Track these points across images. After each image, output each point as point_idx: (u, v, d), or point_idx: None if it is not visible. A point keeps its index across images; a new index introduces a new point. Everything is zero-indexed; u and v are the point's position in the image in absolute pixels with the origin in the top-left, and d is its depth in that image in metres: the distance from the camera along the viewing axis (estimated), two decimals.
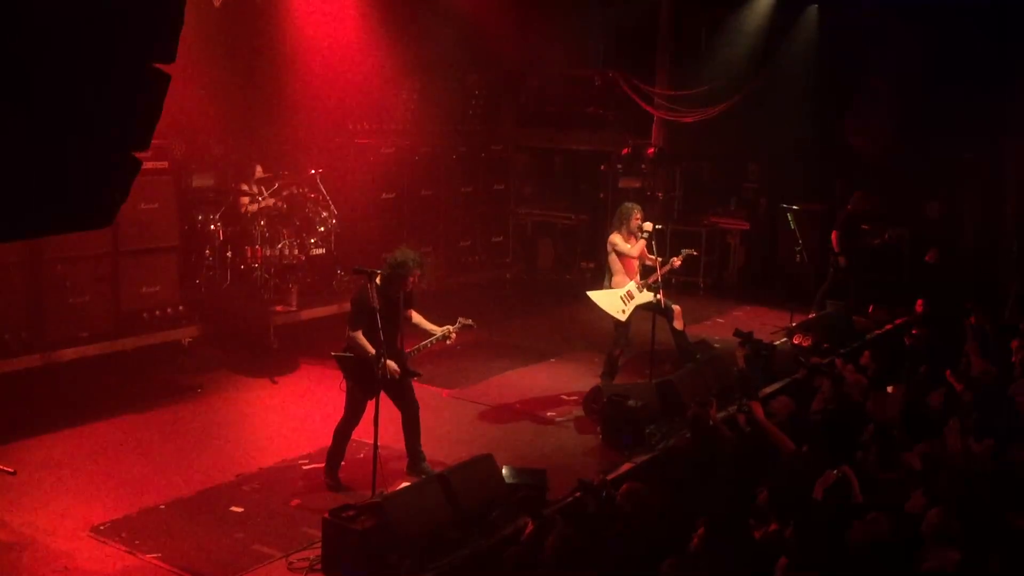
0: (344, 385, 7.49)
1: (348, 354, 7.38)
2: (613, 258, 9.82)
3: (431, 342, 7.68)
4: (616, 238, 9.80)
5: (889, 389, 8.34)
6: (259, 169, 11.56)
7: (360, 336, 7.26)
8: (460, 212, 14.61)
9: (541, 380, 10.41)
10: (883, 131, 14.41)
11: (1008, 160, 14.14)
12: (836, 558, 5.31)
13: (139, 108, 3.31)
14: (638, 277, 9.83)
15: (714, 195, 16.12)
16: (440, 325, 7.73)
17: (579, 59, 16.20)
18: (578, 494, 6.26)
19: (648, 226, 9.70)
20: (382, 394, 7.15)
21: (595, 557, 5.45)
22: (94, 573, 6.14)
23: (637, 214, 9.81)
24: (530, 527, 5.91)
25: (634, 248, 9.77)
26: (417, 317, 7.75)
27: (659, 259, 9.72)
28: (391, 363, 7.20)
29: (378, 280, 7.28)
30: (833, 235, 12.81)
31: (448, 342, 7.73)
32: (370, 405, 7.08)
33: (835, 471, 6.20)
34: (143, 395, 9.31)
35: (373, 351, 7.16)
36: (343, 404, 7.52)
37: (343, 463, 7.56)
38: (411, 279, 7.47)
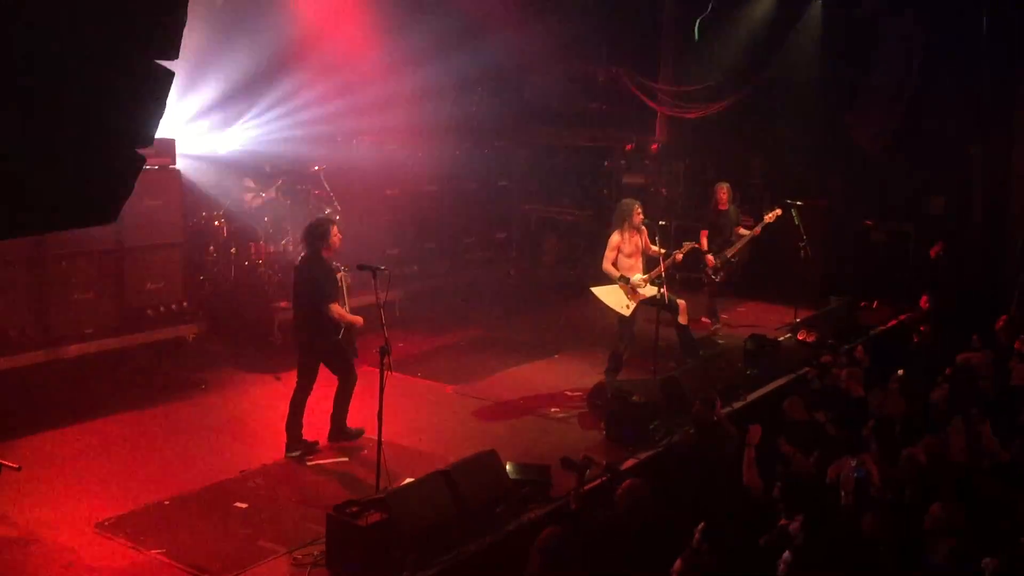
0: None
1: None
2: (609, 255, 9.78)
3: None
4: (613, 239, 9.76)
5: (892, 384, 8.33)
6: (266, 167, 11.57)
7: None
8: (464, 208, 14.59)
9: (545, 376, 10.41)
10: (886, 126, 14.38)
11: (1013, 153, 14.10)
12: (844, 549, 5.30)
13: (143, 104, 3.32)
14: (641, 272, 9.82)
15: None
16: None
17: (583, 55, 16.16)
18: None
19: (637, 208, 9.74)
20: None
21: (593, 555, 5.42)
22: (99, 569, 6.15)
23: (638, 209, 9.79)
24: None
25: (627, 244, 9.73)
26: None
27: (663, 251, 9.71)
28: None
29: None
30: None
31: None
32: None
33: (853, 460, 6.18)
34: (147, 391, 9.35)
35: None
36: None
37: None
38: (333, 239, 7.94)
